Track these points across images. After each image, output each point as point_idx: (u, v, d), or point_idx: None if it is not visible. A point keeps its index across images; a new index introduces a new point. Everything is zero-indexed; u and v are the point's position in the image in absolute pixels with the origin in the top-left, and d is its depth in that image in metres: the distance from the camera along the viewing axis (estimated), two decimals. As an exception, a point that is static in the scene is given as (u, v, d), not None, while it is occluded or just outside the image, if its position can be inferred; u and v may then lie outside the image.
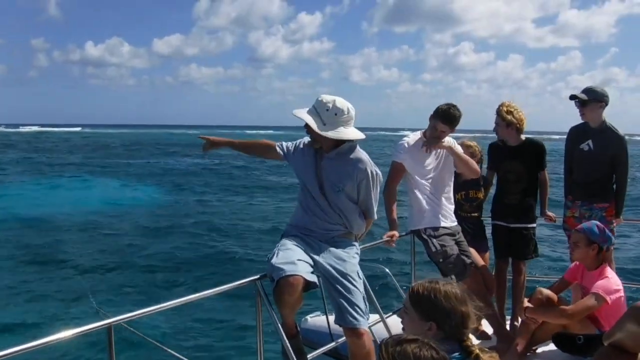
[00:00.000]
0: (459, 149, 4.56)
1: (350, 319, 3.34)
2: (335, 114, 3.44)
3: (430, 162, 4.53)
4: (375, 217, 3.76)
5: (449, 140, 4.49)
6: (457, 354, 2.10)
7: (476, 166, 4.64)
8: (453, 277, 4.32)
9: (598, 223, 4.27)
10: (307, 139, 3.64)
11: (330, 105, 3.45)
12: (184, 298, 3.08)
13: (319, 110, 3.48)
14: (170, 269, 12.24)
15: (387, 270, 4.77)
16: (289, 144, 3.75)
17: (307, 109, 3.53)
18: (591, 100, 4.75)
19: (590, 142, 4.85)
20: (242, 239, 15.14)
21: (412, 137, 4.56)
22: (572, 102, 4.84)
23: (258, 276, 3.32)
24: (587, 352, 3.81)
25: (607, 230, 4.20)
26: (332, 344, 3.75)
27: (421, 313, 2.19)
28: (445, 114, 4.40)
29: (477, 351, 2.09)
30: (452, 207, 4.65)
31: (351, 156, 3.54)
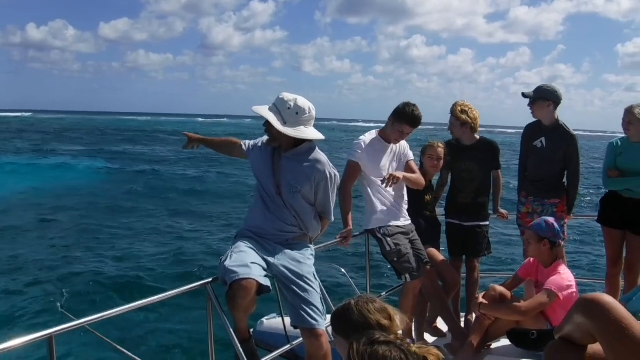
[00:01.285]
0: (410, 169, 4.61)
1: (308, 319, 3.30)
2: (297, 113, 3.40)
3: (386, 162, 4.51)
4: (333, 219, 3.73)
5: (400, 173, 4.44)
6: None
7: (422, 180, 4.63)
8: (407, 276, 4.33)
9: (547, 218, 4.34)
10: (266, 137, 3.58)
11: (292, 104, 3.41)
12: (132, 304, 2.97)
13: (279, 108, 3.44)
14: (119, 275, 11.76)
15: (343, 270, 4.76)
16: (251, 141, 3.71)
17: (268, 106, 3.48)
18: (538, 98, 4.86)
19: (543, 139, 4.92)
20: (192, 241, 14.72)
21: (368, 137, 4.51)
22: (523, 98, 4.94)
23: (209, 280, 3.24)
24: (540, 346, 3.86)
25: (555, 225, 4.27)
26: (287, 347, 3.69)
27: (342, 334, 2.18)
28: (413, 117, 4.38)
29: (415, 349, 1.99)
30: (406, 206, 4.64)
31: (310, 157, 3.50)
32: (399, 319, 2.22)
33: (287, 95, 3.45)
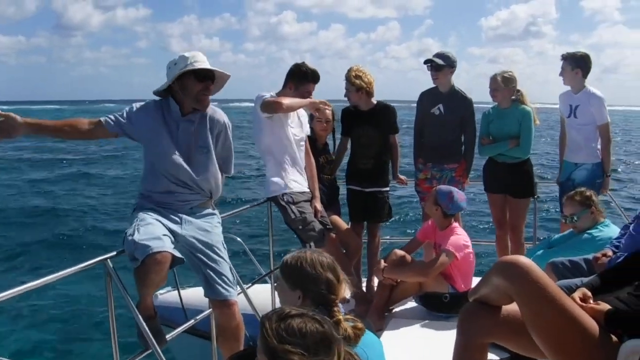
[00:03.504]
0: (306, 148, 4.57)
1: (221, 290, 3.20)
2: (175, 64, 3.17)
3: (293, 121, 4.43)
4: (233, 172, 3.56)
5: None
6: None
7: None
8: (312, 244, 4.27)
9: (450, 188, 4.46)
10: (138, 104, 3.29)
11: (176, 58, 3.20)
12: (25, 285, 2.67)
13: (167, 72, 3.22)
14: (7, 257, 11.02)
15: (240, 239, 4.64)
16: (118, 115, 3.25)
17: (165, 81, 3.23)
18: (446, 65, 4.95)
19: (440, 106, 5.03)
20: (80, 220, 14.03)
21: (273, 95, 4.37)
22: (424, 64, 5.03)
23: (107, 256, 2.98)
24: (453, 309, 3.99)
25: (454, 198, 4.37)
26: (192, 322, 3.52)
27: (290, 282, 2.23)
28: (313, 74, 4.36)
29: (340, 317, 2.11)
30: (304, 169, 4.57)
31: (206, 111, 3.30)
32: (346, 283, 2.26)
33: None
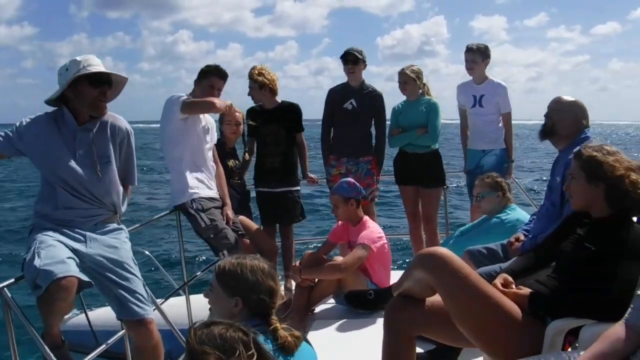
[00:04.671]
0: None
1: (136, 309, 2.97)
2: (67, 70, 2.92)
3: (203, 125, 4.27)
4: (136, 182, 3.34)
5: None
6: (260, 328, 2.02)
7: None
8: (225, 253, 4.11)
9: (348, 180, 4.49)
10: (29, 118, 2.99)
11: (67, 63, 2.94)
12: None
13: (59, 79, 2.96)
14: None
15: (148, 252, 4.42)
16: (8, 132, 2.97)
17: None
18: (361, 59, 5.02)
19: (353, 100, 5.06)
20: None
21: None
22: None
23: (3, 284, 2.70)
24: (378, 305, 3.96)
25: (356, 184, 4.42)
26: (103, 347, 3.28)
27: (227, 289, 2.13)
28: (217, 69, 4.26)
29: (277, 325, 2.06)
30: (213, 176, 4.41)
31: (105, 118, 3.06)
32: (280, 290, 2.19)
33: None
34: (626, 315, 2.04)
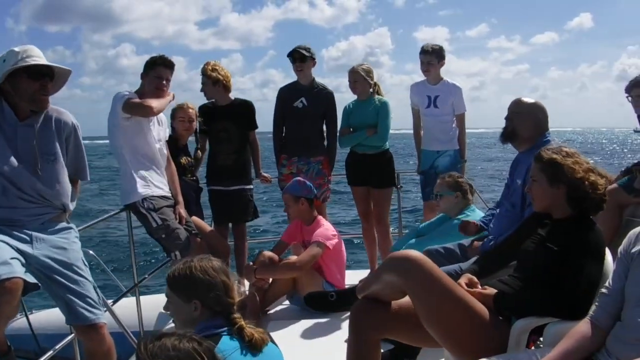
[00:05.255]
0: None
1: (86, 314, 2.84)
2: (4, 61, 2.74)
3: (153, 123, 4.13)
4: (88, 177, 3.21)
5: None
6: (225, 328, 2.02)
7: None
8: (177, 253, 4.01)
9: (298, 179, 4.46)
10: None
11: (4, 54, 2.77)
12: None
13: None
14: None
15: (93, 252, 4.27)
16: None
17: None
18: (309, 56, 4.94)
19: (303, 99, 4.98)
20: None
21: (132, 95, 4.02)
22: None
23: None
24: (340, 307, 3.94)
25: (307, 182, 4.41)
26: (51, 352, 3.13)
27: (182, 295, 2.09)
28: (162, 58, 4.12)
29: (242, 322, 2.05)
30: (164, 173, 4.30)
31: (50, 113, 2.91)
32: (237, 286, 2.16)
33: None
34: (590, 312, 2.10)
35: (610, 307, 2.05)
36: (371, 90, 5.01)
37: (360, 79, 4.95)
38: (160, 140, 4.18)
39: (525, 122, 3.32)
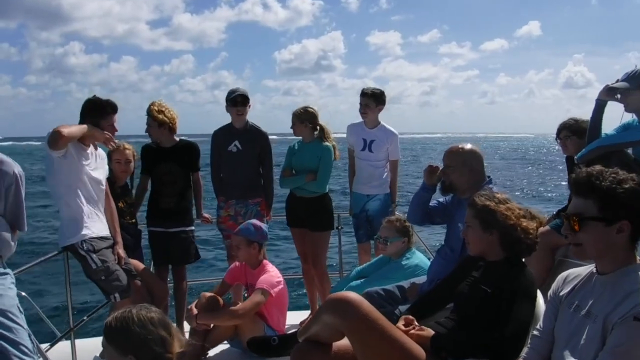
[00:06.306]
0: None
1: None
2: None
3: (91, 161, 4.03)
4: (26, 228, 3.14)
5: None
6: None
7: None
8: (117, 295, 3.92)
9: (254, 222, 4.39)
10: None
11: None
12: None
13: None
14: None
15: (26, 295, 4.13)
16: None
17: None
18: (247, 100, 4.95)
19: (237, 142, 4.97)
20: None
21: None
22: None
23: None
24: (282, 351, 3.90)
25: (263, 227, 4.36)
26: None
27: (118, 348, 1.99)
28: (112, 105, 4.06)
29: None
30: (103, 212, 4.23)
31: None
32: (178, 336, 2.05)
33: None
34: (522, 354, 2.19)
35: (541, 348, 2.15)
36: (316, 133, 5.02)
37: (296, 122, 4.98)
38: (98, 177, 4.09)
39: (461, 174, 3.45)
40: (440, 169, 3.65)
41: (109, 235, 4.13)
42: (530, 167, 45.85)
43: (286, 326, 4.36)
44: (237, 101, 4.92)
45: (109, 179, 4.37)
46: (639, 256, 1.96)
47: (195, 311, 4.16)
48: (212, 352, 4.30)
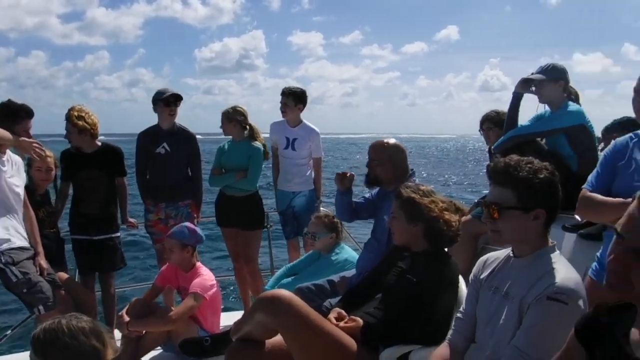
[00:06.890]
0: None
1: None
2: None
3: (7, 168, 3.86)
4: None
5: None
6: None
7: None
8: (41, 308, 3.79)
9: (188, 225, 4.31)
10: None
11: None
12: None
13: None
14: None
15: None
16: None
17: None
18: (180, 101, 4.90)
19: (165, 144, 4.89)
20: None
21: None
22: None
23: None
24: (215, 351, 3.87)
25: (197, 230, 4.30)
26: None
27: None
28: (27, 110, 3.97)
29: None
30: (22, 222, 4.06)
31: None
32: (111, 344, 1.94)
33: None
34: (448, 335, 2.29)
35: (465, 329, 2.25)
36: (246, 132, 5.03)
37: (225, 122, 4.98)
38: (16, 185, 3.93)
39: (385, 167, 3.57)
40: (349, 174, 3.79)
41: (29, 245, 3.98)
42: (460, 163, 47.29)
43: (220, 328, 4.33)
44: (171, 101, 4.84)
45: (28, 187, 4.20)
46: (551, 239, 2.07)
47: (126, 318, 4.06)
48: (145, 358, 4.23)
